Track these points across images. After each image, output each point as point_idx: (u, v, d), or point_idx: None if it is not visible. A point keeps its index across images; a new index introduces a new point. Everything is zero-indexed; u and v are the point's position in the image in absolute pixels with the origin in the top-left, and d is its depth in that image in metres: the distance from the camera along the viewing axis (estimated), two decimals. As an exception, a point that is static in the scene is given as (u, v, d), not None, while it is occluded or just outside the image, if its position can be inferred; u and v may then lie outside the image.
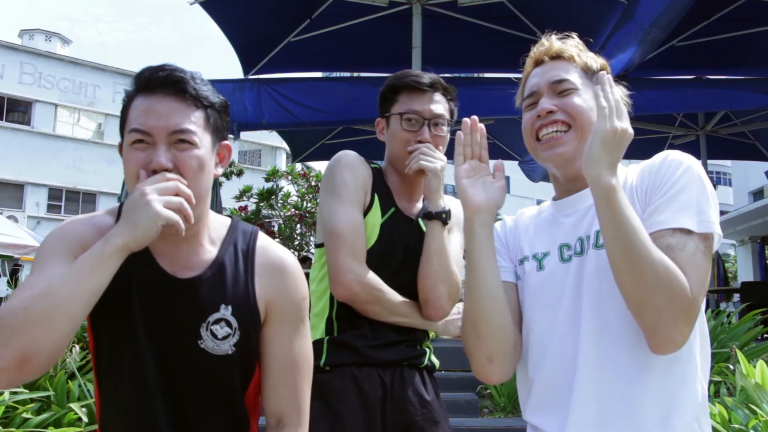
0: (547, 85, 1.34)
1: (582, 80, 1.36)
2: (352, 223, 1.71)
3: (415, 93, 1.83)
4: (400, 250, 1.78)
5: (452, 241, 1.82)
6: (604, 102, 1.23)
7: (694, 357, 1.23)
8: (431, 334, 1.90)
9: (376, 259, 1.74)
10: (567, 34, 1.43)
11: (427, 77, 1.84)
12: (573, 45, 1.40)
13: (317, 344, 1.74)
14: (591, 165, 1.21)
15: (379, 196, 1.81)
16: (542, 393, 1.29)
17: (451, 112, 1.88)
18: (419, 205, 1.87)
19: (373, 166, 1.86)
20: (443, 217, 1.76)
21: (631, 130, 1.25)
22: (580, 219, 1.32)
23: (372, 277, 1.70)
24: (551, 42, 1.40)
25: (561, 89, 1.33)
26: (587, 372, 1.22)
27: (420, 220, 1.84)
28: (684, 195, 1.19)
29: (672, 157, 1.26)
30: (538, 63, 1.40)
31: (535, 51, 1.42)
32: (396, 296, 1.74)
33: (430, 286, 1.74)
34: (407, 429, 1.73)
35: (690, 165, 1.23)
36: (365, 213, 1.77)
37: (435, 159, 1.76)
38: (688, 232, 1.17)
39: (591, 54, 1.41)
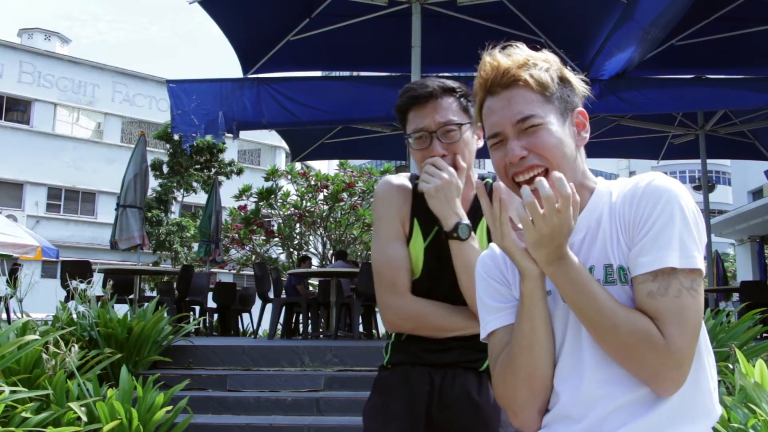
0: (510, 125, 1.25)
1: (543, 105, 1.25)
2: (388, 258, 1.76)
3: (418, 108, 1.77)
4: (448, 268, 1.75)
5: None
6: (504, 217, 1.23)
7: (702, 363, 1.22)
8: None
9: (426, 284, 1.77)
10: (511, 43, 1.31)
11: (427, 86, 1.78)
12: (522, 62, 1.27)
13: (386, 347, 1.88)
14: (534, 257, 1.23)
15: (419, 220, 1.79)
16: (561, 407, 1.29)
17: (465, 110, 1.79)
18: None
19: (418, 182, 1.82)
20: (455, 235, 1.71)
21: (557, 221, 1.16)
22: (575, 253, 1.26)
23: (412, 306, 1.74)
24: (498, 63, 1.28)
25: (526, 126, 1.24)
26: (598, 395, 1.22)
27: None
28: (666, 232, 1.16)
29: (653, 187, 1.20)
30: (490, 91, 1.29)
31: (483, 73, 1.30)
32: (445, 314, 1.74)
33: (469, 299, 1.71)
34: (452, 425, 1.75)
35: (670, 196, 1.18)
36: (409, 240, 1.79)
37: (432, 178, 1.72)
38: (672, 270, 1.15)
39: (542, 62, 1.28)
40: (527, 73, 1.25)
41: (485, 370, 1.78)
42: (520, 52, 1.29)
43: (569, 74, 1.31)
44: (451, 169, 1.74)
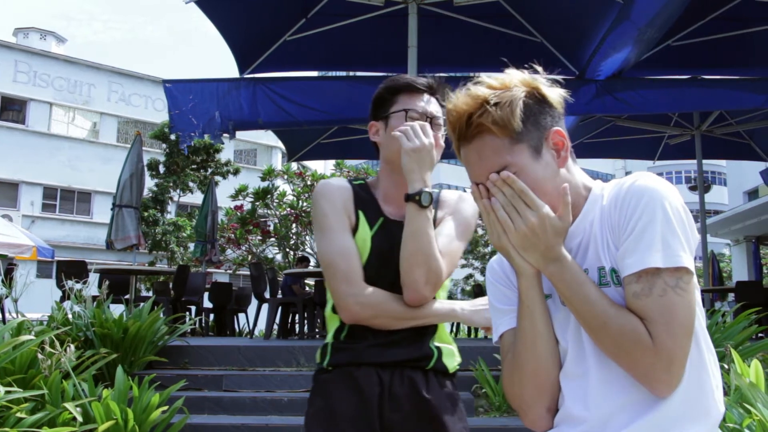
0: (486, 179, 1.26)
1: (512, 148, 1.24)
2: (338, 248, 1.75)
3: (413, 93, 1.85)
4: (395, 254, 1.77)
5: (444, 229, 1.81)
6: (493, 218, 1.24)
7: (704, 361, 1.22)
8: (439, 333, 1.85)
9: (374, 271, 1.76)
10: (475, 79, 1.28)
11: (423, 80, 1.88)
12: (482, 103, 1.24)
13: (324, 348, 1.82)
14: (527, 259, 1.25)
15: (364, 211, 1.82)
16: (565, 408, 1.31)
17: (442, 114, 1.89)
18: None
19: (357, 183, 1.89)
20: (417, 199, 1.72)
21: (533, 219, 1.20)
22: (573, 258, 1.28)
23: (369, 293, 1.72)
24: (459, 111, 1.26)
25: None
26: (601, 396, 1.23)
27: None
28: (648, 232, 1.16)
29: (635, 188, 1.20)
30: (460, 140, 1.29)
31: (450, 120, 1.29)
32: (397, 300, 1.75)
33: (405, 269, 1.72)
34: (404, 424, 1.74)
35: (652, 196, 1.17)
36: (354, 232, 1.79)
37: (414, 137, 1.75)
38: (656, 270, 1.14)
39: (506, 95, 1.24)
40: (489, 120, 1.23)
41: (431, 368, 1.79)
42: (480, 89, 1.25)
43: (543, 89, 1.27)
44: (433, 140, 1.78)
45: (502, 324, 1.38)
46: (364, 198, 1.85)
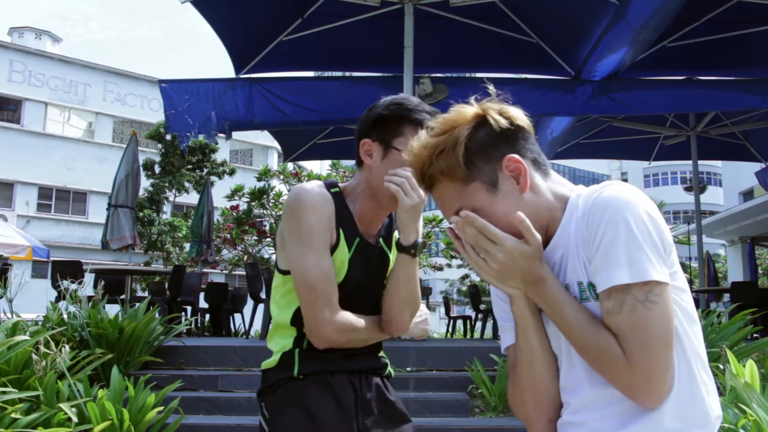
0: (452, 216, 1.30)
1: (466, 189, 1.26)
2: (324, 272, 1.72)
3: (416, 130, 1.76)
4: (368, 276, 1.85)
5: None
6: (469, 258, 1.27)
7: (691, 368, 1.22)
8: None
9: (346, 291, 1.77)
10: (428, 123, 1.32)
11: (426, 115, 1.78)
12: (430, 156, 1.26)
13: (287, 355, 1.80)
14: (510, 285, 1.28)
15: (344, 229, 1.80)
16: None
17: None
18: (380, 224, 1.91)
19: (333, 191, 1.82)
20: (412, 252, 1.79)
21: (499, 255, 1.23)
22: (555, 273, 1.29)
23: (346, 320, 1.75)
24: (415, 164, 1.30)
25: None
26: (594, 404, 1.24)
27: (381, 240, 1.88)
28: (613, 248, 1.15)
29: (599, 202, 1.19)
30: (423, 187, 1.35)
31: (413, 167, 1.33)
32: (370, 326, 1.82)
33: (397, 310, 1.83)
34: (376, 426, 1.82)
35: (615, 210, 1.16)
36: (333, 249, 1.77)
37: (412, 193, 1.72)
38: (625, 286, 1.13)
39: (450, 140, 1.25)
40: (438, 171, 1.26)
41: (386, 375, 1.93)
42: (427, 139, 1.27)
43: (492, 116, 1.25)
44: (423, 193, 1.73)
45: (505, 340, 1.41)
46: (342, 214, 1.80)
